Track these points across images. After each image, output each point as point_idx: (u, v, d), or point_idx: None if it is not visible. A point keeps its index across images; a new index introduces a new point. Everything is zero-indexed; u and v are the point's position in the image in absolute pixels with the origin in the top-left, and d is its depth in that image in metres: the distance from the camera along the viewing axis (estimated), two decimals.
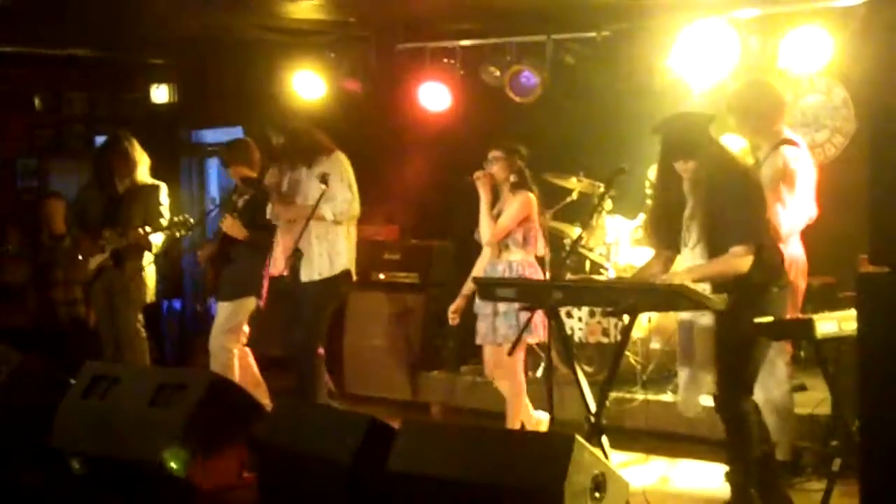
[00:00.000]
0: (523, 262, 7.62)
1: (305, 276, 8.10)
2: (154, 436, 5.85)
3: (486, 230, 7.64)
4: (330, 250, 8.11)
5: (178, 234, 8.69)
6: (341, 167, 8.09)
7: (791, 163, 6.72)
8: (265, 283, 8.45)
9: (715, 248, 5.83)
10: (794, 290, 6.66)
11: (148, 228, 8.57)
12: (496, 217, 7.64)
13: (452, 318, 7.89)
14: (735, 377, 5.92)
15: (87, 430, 6.19)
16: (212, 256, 8.50)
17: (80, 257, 8.88)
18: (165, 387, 6.01)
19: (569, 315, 8.69)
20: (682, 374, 6.31)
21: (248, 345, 8.54)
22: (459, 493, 4.86)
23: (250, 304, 8.43)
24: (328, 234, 8.09)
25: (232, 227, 8.34)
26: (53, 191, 11.58)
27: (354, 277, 8.38)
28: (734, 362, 5.91)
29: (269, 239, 8.37)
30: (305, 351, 8.07)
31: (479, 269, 7.81)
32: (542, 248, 7.73)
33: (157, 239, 8.74)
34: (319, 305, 8.16)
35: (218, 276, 8.51)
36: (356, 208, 8.13)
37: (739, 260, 5.75)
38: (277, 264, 8.23)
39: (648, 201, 8.90)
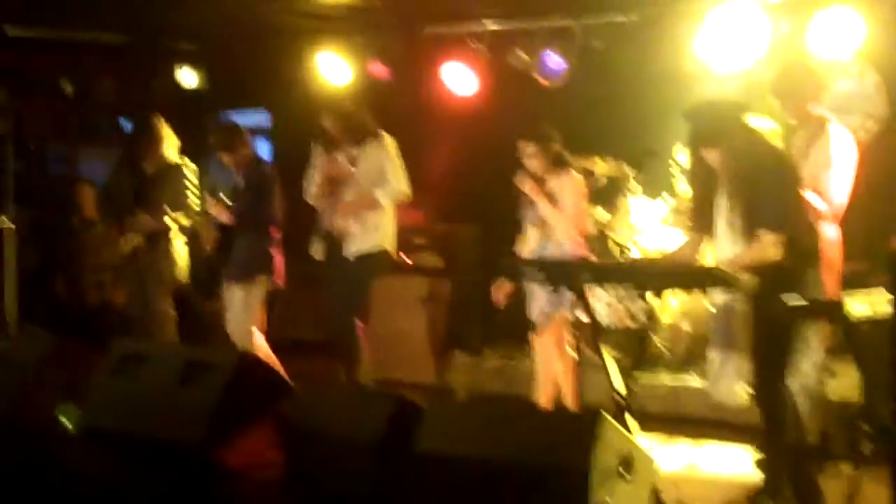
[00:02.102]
0: (573, 240, 7.62)
1: (347, 252, 8.27)
2: (183, 414, 5.86)
3: (560, 223, 7.59)
4: (364, 226, 8.18)
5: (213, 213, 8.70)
6: (390, 150, 8.29)
7: (843, 143, 6.71)
8: (276, 263, 8.49)
9: (750, 235, 5.80)
10: (836, 270, 6.63)
11: (179, 213, 8.60)
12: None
13: (502, 300, 7.85)
14: (772, 362, 5.88)
15: (117, 408, 6.20)
16: (215, 241, 8.54)
17: (111, 239, 8.89)
18: (194, 365, 6.00)
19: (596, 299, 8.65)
20: (715, 359, 6.26)
21: (268, 327, 8.58)
22: (487, 472, 4.84)
23: (262, 283, 8.48)
24: (366, 214, 8.18)
25: (216, 209, 8.47)
26: (83, 177, 11.61)
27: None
28: (771, 347, 5.87)
29: (271, 228, 8.49)
30: (346, 327, 8.25)
31: (526, 250, 7.77)
32: (590, 226, 7.71)
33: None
34: (359, 281, 8.31)
35: (224, 260, 8.57)
36: (407, 188, 8.28)
37: (769, 248, 5.71)
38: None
39: (675, 185, 8.92)
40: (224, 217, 8.43)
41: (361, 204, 8.25)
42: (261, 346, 8.50)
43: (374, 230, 8.28)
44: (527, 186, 7.62)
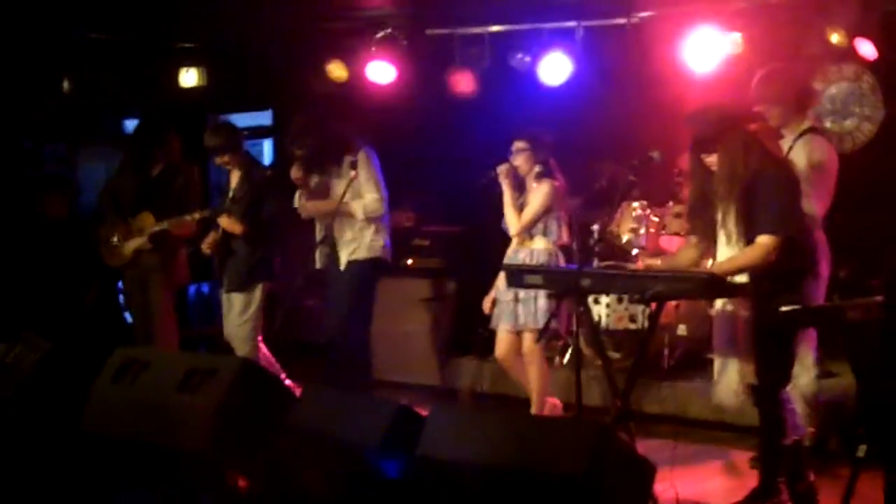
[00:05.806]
0: (545, 250, 7.72)
1: (340, 261, 8.28)
2: (184, 421, 5.90)
3: (511, 221, 7.74)
4: (359, 238, 8.20)
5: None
6: (369, 165, 8.20)
7: (819, 151, 6.70)
8: (274, 267, 8.51)
9: (748, 240, 5.84)
10: (823, 275, 6.66)
11: (189, 216, 8.58)
12: (521, 208, 7.73)
13: (488, 308, 7.96)
14: (772, 365, 5.94)
15: (118, 414, 6.24)
16: (216, 245, 8.53)
17: (115, 241, 8.87)
18: (196, 372, 6.03)
19: (595, 301, 8.71)
20: (718, 363, 6.30)
21: (275, 331, 8.59)
22: (488, 478, 4.90)
23: (263, 289, 8.45)
24: (355, 223, 8.18)
25: (229, 224, 8.39)
26: (49, 176, 11.62)
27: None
28: (771, 350, 5.92)
29: (271, 232, 8.46)
30: (340, 336, 8.23)
31: (506, 257, 7.91)
32: (564, 237, 7.81)
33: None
34: (351, 291, 8.27)
35: (223, 266, 8.53)
36: (383, 207, 8.25)
37: (765, 251, 5.75)
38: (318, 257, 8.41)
39: (677, 189, 8.95)
40: (237, 229, 8.35)
41: (329, 209, 8.23)
42: (262, 352, 8.50)
43: (363, 238, 8.28)
44: (501, 168, 7.74)
